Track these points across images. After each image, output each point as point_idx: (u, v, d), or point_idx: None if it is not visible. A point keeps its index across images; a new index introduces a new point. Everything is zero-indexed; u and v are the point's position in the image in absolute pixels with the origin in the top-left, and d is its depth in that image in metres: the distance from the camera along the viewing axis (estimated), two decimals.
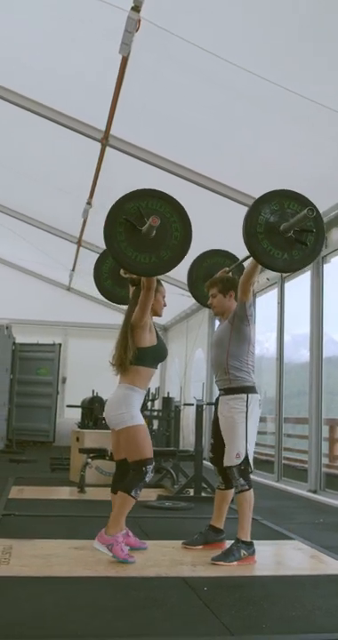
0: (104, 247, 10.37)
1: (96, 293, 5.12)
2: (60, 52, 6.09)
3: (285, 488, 7.60)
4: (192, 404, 7.16)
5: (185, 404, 9.63)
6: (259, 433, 4.20)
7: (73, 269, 12.75)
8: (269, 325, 8.95)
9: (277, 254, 3.66)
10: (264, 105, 5.67)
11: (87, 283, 11.87)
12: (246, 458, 3.92)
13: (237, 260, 4.76)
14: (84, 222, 9.76)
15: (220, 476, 4.21)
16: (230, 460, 3.95)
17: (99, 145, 7.19)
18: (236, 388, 4.03)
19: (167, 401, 11.53)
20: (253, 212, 3.67)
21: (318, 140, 5.95)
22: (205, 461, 6.66)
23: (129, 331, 3.93)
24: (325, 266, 7.22)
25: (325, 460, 7.35)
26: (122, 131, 6.91)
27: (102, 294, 4.93)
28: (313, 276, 7.30)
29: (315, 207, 3.64)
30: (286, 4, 4.56)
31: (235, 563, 3.79)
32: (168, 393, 12.51)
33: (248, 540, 3.90)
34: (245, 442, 3.93)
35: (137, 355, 3.91)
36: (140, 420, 3.90)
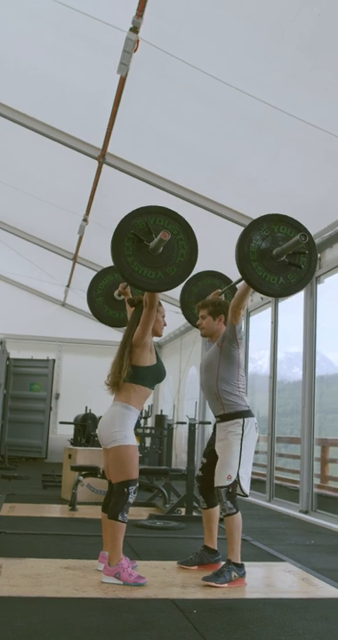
0: (100, 264, 10.33)
1: None
2: (58, 70, 6.16)
3: (276, 508, 7.59)
4: (185, 423, 7.15)
5: (178, 423, 9.61)
6: None
7: (68, 285, 12.78)
8: (262, 344, 8.98)
9: (272, 279, 3.68)
10: (260, 126, 5.72)
11: (82, 299, 11.86)
12: (236, 482, 3.90)
13: (231, 281, 4.78)
14: (80, 239, 9.80)
15: (201, 495, 4.25)
16: (221, 480, 3.93)
17: (96, 162, 7.23)
18: (231, 413, 4.04)
19: (160, 419, 11.51)
20: (244, 240, 3.68)
21: (314, 163, 6.01)
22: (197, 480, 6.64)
23: (127, 351, 3.93)
24: (318, 286, 7.27)
25: (316, 481, 7.33)
26: (119, 149, 6.96)
27: (91, 310, 4.94)
28: (307, 295, 7.34)
29: (307, 231, 3.66)
30: (285, 25, 4.60)
31: (226, 584, 3.77)
32: (161, 411, 12.49)
33: (239, 561, 3.89)
34: (237, 464, 3.92)
35: (136, 373, 3.91)
36: (133, 441, 3.88)
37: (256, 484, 8.48)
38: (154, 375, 4.03)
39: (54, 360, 13.91)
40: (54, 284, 12.79)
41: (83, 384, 12.87)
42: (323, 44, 4.66)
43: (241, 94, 5.20)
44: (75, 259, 11.08)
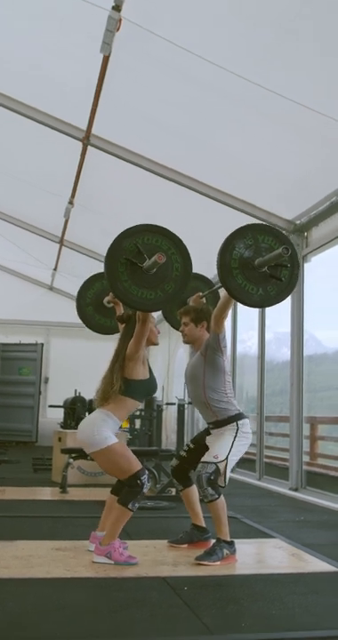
0: (86, 247, 10.23)
1: None
2: (41, 51, 6.06)
3: (266, 486, 7.65)
4: (174, 404, 7.18)
5: (167, 404, 9.64)
6: None
7: (55, 269, 12.72)
8: (251, 324, 8.99)
9: (252, 289, 3.64)
10: (248, 106, 5.65)
11: (69, 282, 11.84)
12: (219, 470, 3.87)
13: (212, 284, 4.74)
14: (66, 222, 9.72)
15: (174, 476, 4.33)
16: (208, 457, 3.94)
17: (80, 144, 7.17)
18: (225, 419, 4.05)
19: (149, 400, 11.51)
20: (227, 247, 3.63)
21: (303, 143, 5.96)
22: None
23: (117, 366, 3.90)
24: (305, 265, 7.26)
25: (306, 458, 7.39)
26: (104, 130, 6.89)
27: (82, 319, 4.90)
28: None
29: (290, 245, 3.63)
30: (270, 3, 4.55)
31: (218, 562, 3.80)
32: None
33: (228, 539, 3.92)
34: (227, 450, 3.93)
35: (127, 386, 3.88)
36: (114, 439, 3.82)
37: (246, 462, 8.55)
38: (145, 389, 4.03)
39: (43, 344, 13.87)
40: (41, 268, 12.71)
41: (71, 367, 12.86)
42: (310, 20, 4.61)
43: (228, 73, 5.13)
44: (61, 242, 11.01)
